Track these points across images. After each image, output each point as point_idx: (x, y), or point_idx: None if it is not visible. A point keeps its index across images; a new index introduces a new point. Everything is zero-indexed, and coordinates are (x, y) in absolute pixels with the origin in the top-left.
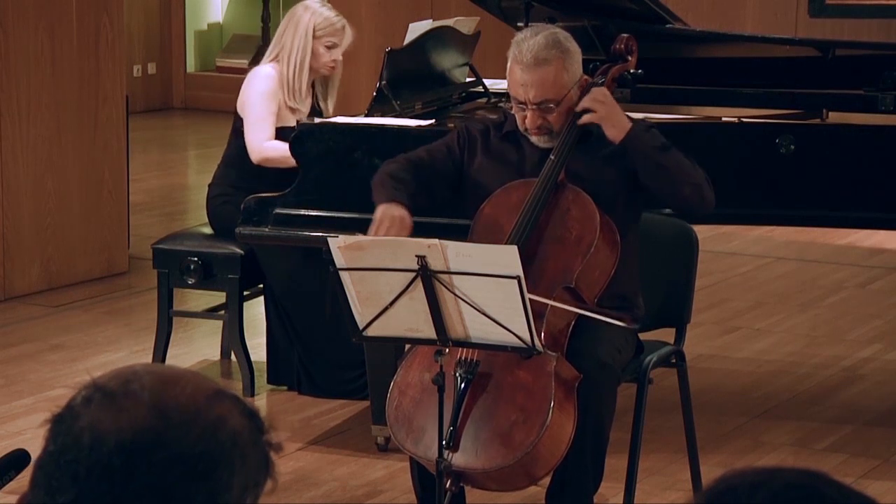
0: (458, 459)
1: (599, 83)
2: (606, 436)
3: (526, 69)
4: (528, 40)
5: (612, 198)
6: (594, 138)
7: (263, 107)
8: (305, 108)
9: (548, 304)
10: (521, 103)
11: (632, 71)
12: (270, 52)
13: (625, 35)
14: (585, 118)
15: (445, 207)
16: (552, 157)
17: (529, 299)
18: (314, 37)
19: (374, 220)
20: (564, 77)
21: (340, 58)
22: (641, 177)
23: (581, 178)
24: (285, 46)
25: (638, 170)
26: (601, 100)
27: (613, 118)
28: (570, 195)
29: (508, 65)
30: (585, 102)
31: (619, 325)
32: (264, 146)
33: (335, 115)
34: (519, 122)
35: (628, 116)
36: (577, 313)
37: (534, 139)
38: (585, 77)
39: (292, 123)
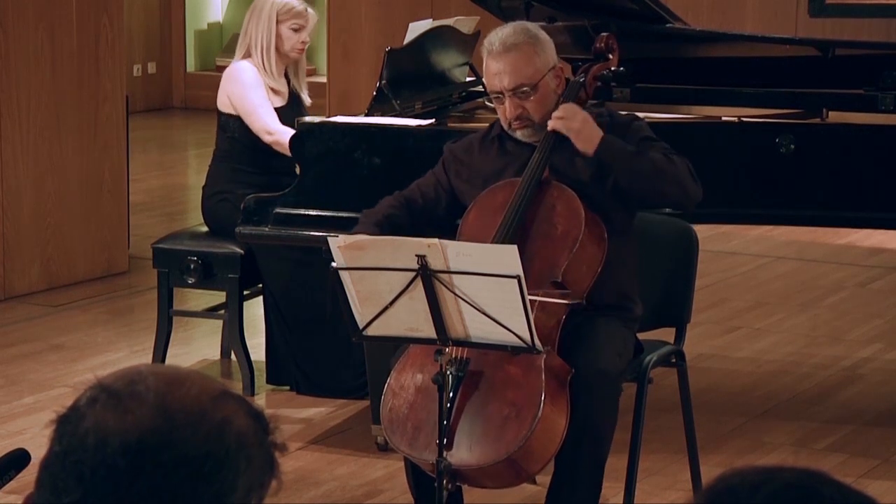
0: (452, 457)
1: (580, 81)
2: (606, 450)
3: (496, 57)
4: (497, 32)
5: (601, 194)
6: None
7: (257, 95)
8: (284, 87)
9: (535, 301)
10: (497, 94)
11: (613, 69)
12: (240, 49)
13: (605, 34)
14: (556, 126)
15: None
16: (535, 156)
17: None
18: (278, 21)
19: None
20: (537, 61)
21: (308, 39)
22: (620, 183)
23: (566, 176)
24: (252, 37)
25: (616, 177)
26: (568, 117)
27: (584, 132)
28: (555, 192)
29: (484, 62)
30: (556, 124)
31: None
32: (279, 129)
33: (334, 115)
34: (501, 117)
35: (614, 114)
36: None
37: (518, 134)
38: (561, 65)
39: (278, 105)
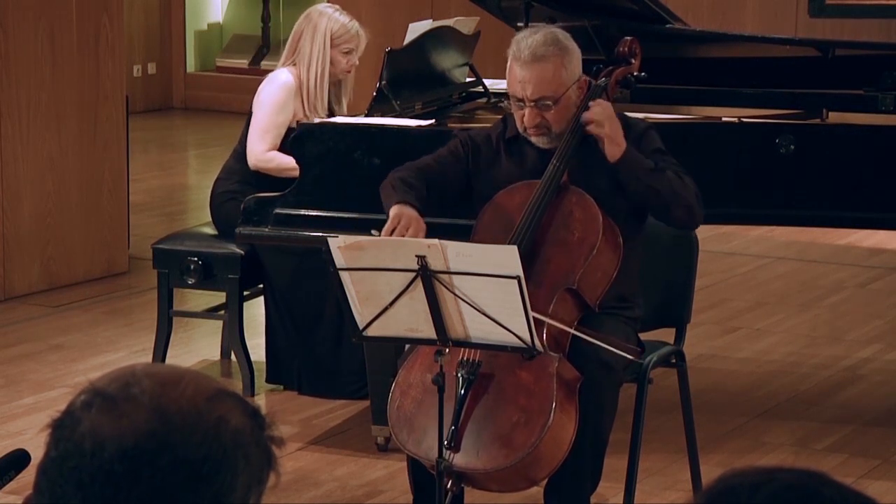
0: (459, 460)
1: (602, 85)
2: (606, 436)
3: (524, 66)
4: (528, 38)
5: (615, 201)
6: (596, 141)
7: (272, 117)
8: (323, 111)
9: (549, 306)
10: (519, 100)
11: (635, 73)
12: (287, 56)
13: (628, 38)
14: (591, 129)
15: (448, 208)
16: (555, 160)
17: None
18: (332, 45)
19: (390, 219)
20: (563, 74)
21: (357, 62)
22: (631, 196)
23: (584, 181)
24: (303, 53)
25: (628, 189)
26: (609, 115)
27: (617, 137)
28: (574, 197)
29: (508, 63)
30: (595, 114)
31: (622, 355)
32: (263, 156)
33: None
34: (518, 121)
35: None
36: (582, 337)
37: (533, 140)
38: (585, 77)
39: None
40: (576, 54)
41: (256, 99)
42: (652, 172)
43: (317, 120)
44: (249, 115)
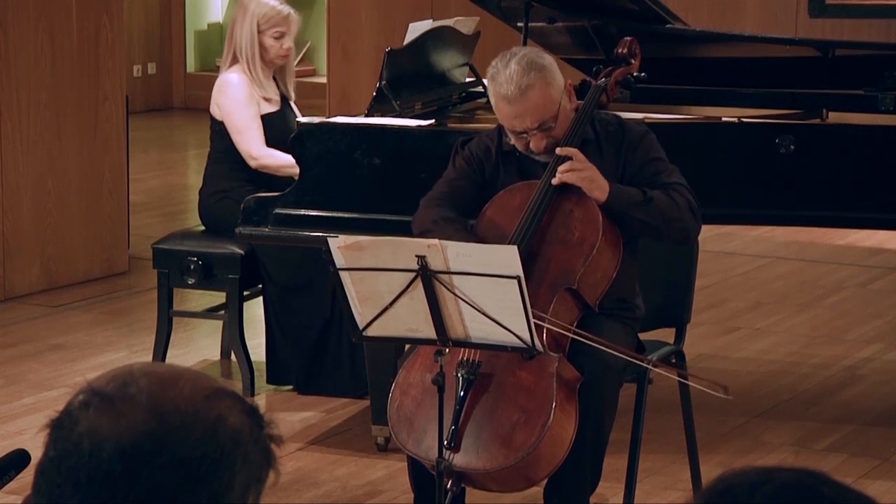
0: (459, 460)
1: (602, 85)
2: (606, 436)
3: (514, 101)
4: (504, 72)
5: None
6: (594, 145)
7: (245, 114)
8: (275, 94)
9: (549, 305)
10: (521, 133)
11: (635, 74)
12: (227, 54)
13: (628, 38)
14: (567, 178)
15: None
16: (554, 159)
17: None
18: (259, 31)
19: None
20: (552, 93)
21: (291, 45)
22: (624, 228)
23: None
24: (237, 43)
25: (621, 223)
26: (580, 168)
27: (595, 181)
28: (574, 197)
29: (493, 101)
30: (566, 176)
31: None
32: (262, 153)
33: (334, 115)
34: (521, 148)
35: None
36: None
37: (542, 158)
38: (570, 81)
39: (270, 111)
40: (554, 67)
41: (216, 107)
42: (640, 206)
43: (317, 119)
44: (212, 121)
